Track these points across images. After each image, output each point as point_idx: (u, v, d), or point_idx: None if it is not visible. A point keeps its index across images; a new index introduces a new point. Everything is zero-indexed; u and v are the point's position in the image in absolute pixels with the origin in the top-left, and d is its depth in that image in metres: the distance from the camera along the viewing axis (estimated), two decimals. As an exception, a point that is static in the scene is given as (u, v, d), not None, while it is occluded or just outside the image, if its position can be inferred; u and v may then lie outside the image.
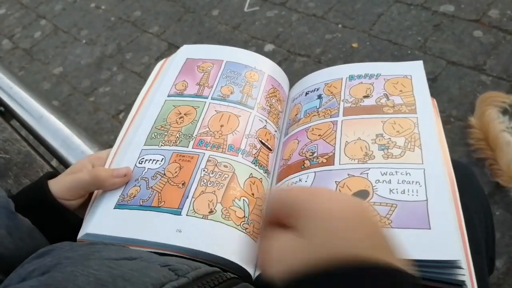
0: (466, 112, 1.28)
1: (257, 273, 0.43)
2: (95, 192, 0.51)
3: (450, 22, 1.55)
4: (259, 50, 1.71)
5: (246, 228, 0.45)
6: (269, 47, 1.72)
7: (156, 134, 0.55)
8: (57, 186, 0.47)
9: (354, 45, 1.61)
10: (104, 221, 0.47)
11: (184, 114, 0.56)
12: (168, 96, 0.59)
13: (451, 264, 0.37)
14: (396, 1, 1.70)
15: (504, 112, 1.24)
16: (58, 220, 0.47)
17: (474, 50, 1.44)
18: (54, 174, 0.51)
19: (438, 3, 1.63)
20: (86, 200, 0.50)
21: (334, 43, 1.65)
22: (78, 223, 0.48)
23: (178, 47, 2.11)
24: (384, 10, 1.69)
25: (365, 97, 0.55)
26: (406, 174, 0.45)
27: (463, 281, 0.37)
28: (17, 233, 0.43)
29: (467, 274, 0.38)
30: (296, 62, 1.63)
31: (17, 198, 0.46)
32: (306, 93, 0.61)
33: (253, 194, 0.48)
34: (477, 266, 0.40)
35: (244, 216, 0.46)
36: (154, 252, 0.41)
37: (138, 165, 0.52)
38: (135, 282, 0.32)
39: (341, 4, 1.78)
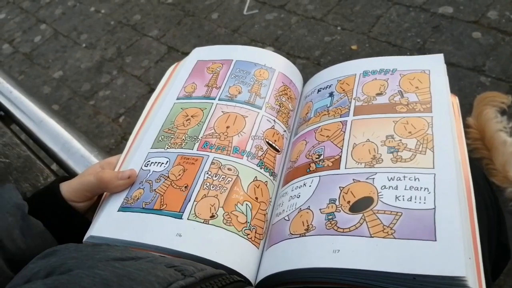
0: (465, 113, 1.28)
1: (258, 280, 0.42)
2: (104, 195, 0.51)
3: (449, 24, 1.55)
4: (259, 53, 1.71)
5: (248, 234, 0.44)
6: (268, 49, 1.73)
7: (163, 137, 0.54)
8: (66, 188, 0.48)
9: (353, 47, 1.61)
10: (107, 223, 0.47)
11: (191, 116, 0.55)
12: (177, 99, 0.59)
13: (456, 282, 0.34)
14: (395, 3, 1.70)
15: (502, 112, 1.24)
16: (69, 222, 0.48)
17: (473, 51, 1.44)
18: (68, 178, 0.52)
19: (437, 5, 1.63)
20: (96, 203, 0.51)
21: (333, 45, 1.65)
22: (87, 225, 0.48)
23: (178, 51, 2.09)
24: (383, 12, 1.69)
25: (378, 94, 0.52)
26: (415, 179, 0.41)
27: None
28: (30, 234, 0.44)
29: None
30: (295, 65, 1.62)
31: (31, 201, 0.47)
32: (319, 90, 0.58)
33: (256, 198, 0.47)
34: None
35: (246, 222, 0.45)
36: None
37: (144, 168, 0.51)
38: (141, 281, 0.32)
39: (340, 7, 1.78)
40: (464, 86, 1.36)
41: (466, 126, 1.24)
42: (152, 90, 1.76)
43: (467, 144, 1.18)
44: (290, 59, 1.74)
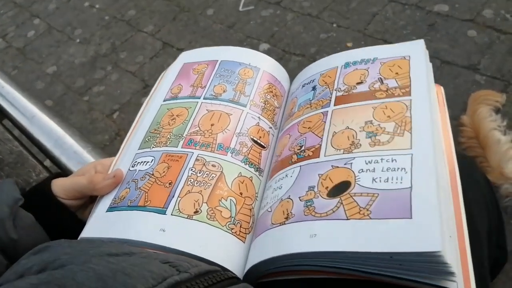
0: (460, 112, 1.29)
1: (244, 272, 0.42)
2: (97, 199, 0.52)
3: (444, 22, 1.55)
4: (254, 49, 1.70)
5: (232, 229, 0.45)
6: (264, 46, 1.72)
7: (149, 137, 0.55)
8: (58, 185, 0.50)
9: (349, 44, 1.61)
10: (96, 224, 0.48)
11: (176, 116, 0.56)
12: (164, 100, 0.60)
13: (432, 258, 0.33)
14: (390, 1, 1.70)
15: (497, 110, 1.24)
16: (58, 217, 0.49)
17: (468, 49, 1.45)
18: (64, 174, 0.54)
19: (433, 3, 1.63)
20: (87, 203, 0.53)
21: (329, 42, 1.65)
22: (77, 223, 0.50)
23: (173, 47, 2.08)
24: (379, 10, 1.69)
25: (358, 83, 0.52)
26: (392, 161, 0.41)
27: (450, 273, 0.33)
28: (21, 225, 0.46)
29: (459, 272, 0.35)
30: (291, 61, 1.63)
31: (26, 195, 0.49)
32: (303, 86, 0.59)
33: (241, 193, 0.48)
34: (474, 256, 0.38)
35: (230, 216, 0.45)
36: None
37: (131, 168, 0.52)
38: (135, 276, 0.32)
39: (336, 4, 1.78)
40: (459, 84, 1.37)
41: (460, 124, 1.24)
42: (146, 86, 1.75)
43: (461, 143, 1.19)
44: (285, 56, 1.74)
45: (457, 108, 1.30)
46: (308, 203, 0.42)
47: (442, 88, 0.52)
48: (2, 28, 2.31)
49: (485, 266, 0.52)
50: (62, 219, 0.49)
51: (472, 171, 0.60)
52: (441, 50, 1.47)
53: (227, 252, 0.43)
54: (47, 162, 0.75)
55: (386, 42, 1.56)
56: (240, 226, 0.45)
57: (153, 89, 0.64)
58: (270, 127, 0.56)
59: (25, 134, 0.74)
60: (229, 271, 0.41)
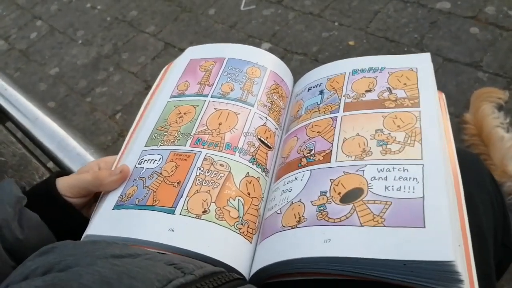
0: (463, 109, 1.28)
1: (252, 273, 0.42)
2: (101, 195, 0.52)
3: (446, 19, 1.55)
4: (256, 49, 1.70)
5: (240, 229, 0.45)
6: (265, 45, 1.72)
7: (156, 135, 0.55)
8: (62, 183, 0.49)
9: (351, 43, 1.61)
10: (103, 222, 0.47)
11: (184, 114, 0.56)
12: (170, 97, 0.59)
13: (445, 266, 0.34)
14: (392, -1, 1.70)
15: (499, 108, 1.24)
16: (63, 216, 0.49)
17: (470, 47, 1.44)
18: (66, 173, 0.53)
19: (435, 0, 1.62)
20: (91, 201, 0.52)
21: (330, 41, 1.65)
22: (83, 222, 0.49)
23: (174, 47, 2.08)
24: (380, 8, 1.69)
25: (367, 91, 0.53)
26: (404, 170, 0.42)
27: (460, 280, 0.34)
28: (26, 225, 0.45)
29: (466, 279, 0.35)
30: (293, 61, 1.63)
31: (29, 194, 0.48)
32: (309, 89, 0.59)
33: (249, 194, 0.48)
34: (480, 255, 0.39)
35: (238, 217, 0.45)
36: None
37: (137, 165, 0.52)
38: (140, 278, 0.32)
39: (338, 2, 1.77)
40: (462, 82, 1.36)
41: (463, 122, 1.24)
42: (149, 87, 1.75)
43: (464, 140, 1.19)
44: (287, 55, 1.74)
45: (459, 105, 1.30)
46: (321, 208, 0.42)
47: (443, 94, 0.53)
48: (5, 30, 2.32)
49: (491, 265, 0.51)
50: (68, 217, 0.49)
51: (478, 169, 0.60)
52: (443, 47, 1.46)
53: (235, 252, 0.43)
54: (50, 164, 0.75)
55: (388, 40, 1.56)
56: (248, 227, 0.45)
57: (156, 83, 0.63)
58: (276, 128, 0.56)
59: (28, 136, 0.74)
60: (236, 271, 0.41)
